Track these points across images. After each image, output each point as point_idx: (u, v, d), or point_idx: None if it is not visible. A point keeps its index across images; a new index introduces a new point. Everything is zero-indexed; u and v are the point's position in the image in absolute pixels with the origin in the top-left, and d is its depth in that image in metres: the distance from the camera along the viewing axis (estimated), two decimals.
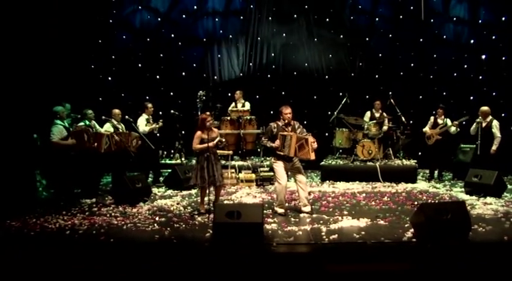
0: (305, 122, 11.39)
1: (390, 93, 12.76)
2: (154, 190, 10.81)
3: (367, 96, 13.77)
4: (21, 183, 9.10)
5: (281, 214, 8.47)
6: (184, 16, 14.80)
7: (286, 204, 8.91)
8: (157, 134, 11.93)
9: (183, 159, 12.99)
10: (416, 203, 9.30)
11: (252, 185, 11.47)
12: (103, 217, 8.42)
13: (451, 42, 14.48)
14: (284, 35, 14.93)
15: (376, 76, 14.63)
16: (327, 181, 11.93)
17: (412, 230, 7.23)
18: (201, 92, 12.89)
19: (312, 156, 8.46)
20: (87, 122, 10.38)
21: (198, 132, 8.54)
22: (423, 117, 12.35)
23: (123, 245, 6.95)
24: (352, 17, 14.99)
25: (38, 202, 9.48)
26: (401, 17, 14.61)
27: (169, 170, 11.80)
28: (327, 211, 8.85)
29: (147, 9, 14.78)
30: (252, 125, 13.08)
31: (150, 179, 11.71)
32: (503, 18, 13.60)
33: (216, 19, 15.00)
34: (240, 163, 12.27)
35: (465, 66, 14.24)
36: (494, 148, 10.72)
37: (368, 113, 13.01)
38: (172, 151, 13.61)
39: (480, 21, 14.22)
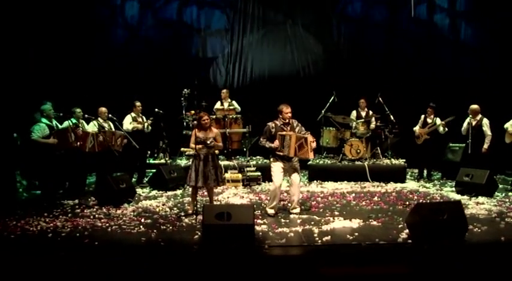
0: None
1: (379, 93, 12.58)
2: (139, 190, 10.48)
3: (354, 95, 13.56)
4: (1, 184, 8.81)
5: (270, 215, 8.27)
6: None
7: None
8: (148, 132, 11.62)
9: (167, 159, 12.71)
10: (407, 203, 9.19)
11: (238, 186, 11.20)
12: (86, 218, 8.11)
13: (445, 41, 14.44)
14: (270, 41, 14.84)
15: (364, 75, 14.47)
16: (315, 181, 11.71)
17: (406, 231, 7.06)
18: (185, 90, 12.62)
19: (311, 155, 8.37)
20: (74, 120, 10.02)
21: (194, 131, 8.33)
22: (412, 116, 12.21)
23: (109, 248, 6.68)
24: (339, 19, 14.92)
25: (18, 203, 9.19)
26: (390, 14, 14.55)
27: (154, 170, 11.47)
28: (317, 211, 8.66)
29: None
30: (237, 124, 12.81)
31: (133, 179, 11.40)
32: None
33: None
34: (226, 162, 11.99)
35: (458, 65, 14.21)
36: (485, 146, 10.62)
37: (354, 112, 12.84)
38: (156, 150, 13.32)
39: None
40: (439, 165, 12.58)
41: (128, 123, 11.15)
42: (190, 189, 8.51)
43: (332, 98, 12.68)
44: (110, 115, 10.84)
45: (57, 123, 9.80)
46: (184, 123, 12.46)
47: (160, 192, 10.46)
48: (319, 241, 6.79)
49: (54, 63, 12.59)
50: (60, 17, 12.72)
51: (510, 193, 10.12)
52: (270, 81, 14.76)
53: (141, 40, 14.65)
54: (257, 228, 7.33)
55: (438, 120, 11.56)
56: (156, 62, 14.44)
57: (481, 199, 9.42)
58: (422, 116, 11.87)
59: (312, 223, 7.79)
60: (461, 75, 13.85)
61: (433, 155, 11.94)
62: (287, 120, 8.34)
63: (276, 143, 8.13)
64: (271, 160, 8.47)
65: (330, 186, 11.21)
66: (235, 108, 12.99)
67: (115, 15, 14.60)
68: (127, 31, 14.66)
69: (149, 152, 12.97)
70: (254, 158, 12.54)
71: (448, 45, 14.32)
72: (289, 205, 8.64)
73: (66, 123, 9.72)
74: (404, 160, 12.16)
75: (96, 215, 8.32)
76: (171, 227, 7.59)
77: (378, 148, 12.64)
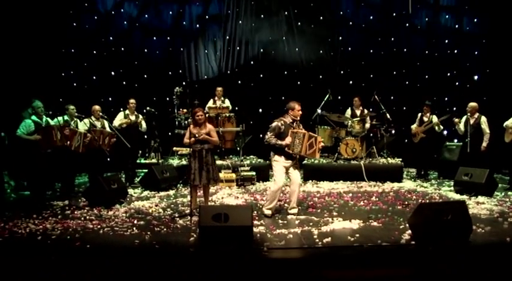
0: None
1: (375, 91, 12.39)
2: (130, 191, 10.21)
3: (349, 93, 13.42)
4: None
5: (267, 216, 8.03)
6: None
7: None
8: (142, 130, 11.35)
9: (159, 158, 12.45)
10: (406, 203, 9.03)
11: (232, 185, 10.98)
12: (77, 220, 7.83)
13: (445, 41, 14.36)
14: (264, 29, 14.58)
15: (358, 72, 14.33)
16: (310, 181, 11.51)
17: (409, 231, 6.87)
18: (177, 88, 12.37)
19: (318, 155, 8.23)
20: (66, 118, 9.72)
21: (189, 127, 8.15)
22: (409, 115, 12.06)
23: (101, 251, 6.41)
24: (333, 11, 14.75)
25: (6, 204, 8.95)
26: (386, 11, 14.39)
27: (145, 170, 11.19)
28: (315, 212, 8.44)
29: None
30: (231, 123, 12.55)
31: (122, 178, 11.10)
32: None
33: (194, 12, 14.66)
34: (220, 162, 11.70)
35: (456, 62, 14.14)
36: (484, 144, 10.49)
37: (348, 111, 12.68)
38: (147, 150, 13.06)
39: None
40: (436, 164, 12.44)
41: (117, 120, 10.88)
42: (190, 188, 8.21)
43: (327, 96, 12.46)
44: (100, 114, 10.54)
45: (49, 121, 9.49)
46: (177, 122, 12.19)
47: (153, 192, 10.23)
48: (320, 243, 6.57)
49: (43, 61, 12.31)
50: (56, 16, 12.54)
51: (510, 192, 9.99)
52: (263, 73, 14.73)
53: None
54: (254, 229, 7.07)
55: (435, 118, 11.43)
56: (148, 60, 14.25)
57: (481, 198, 9.27)
58: (419, 115, 11.73)
59: (311, 224, 7.58)
60: (460, 74, 13.77)
61: (429, 154, 11.80)
62: (298, 118, 8.09)
63: (288, 140, 7.80)
64: (274, 158, 8.07)
65: (325, 186, 11.03)
66: (228, 106, 12.74)
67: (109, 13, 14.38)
68: (121, 27, 14.47)
69: (140, 151, 12.69)
70: (248, 157, 12.33)
71: (447, 44, 14.26)
72: (286, 205, 8.40)
73: (55, 121, 9.43)
74: (400, 159, 11.97)
75: (87, 217, 8.05)
76: (165, 229, 7.34)
77: (374, 147, 12.43)
